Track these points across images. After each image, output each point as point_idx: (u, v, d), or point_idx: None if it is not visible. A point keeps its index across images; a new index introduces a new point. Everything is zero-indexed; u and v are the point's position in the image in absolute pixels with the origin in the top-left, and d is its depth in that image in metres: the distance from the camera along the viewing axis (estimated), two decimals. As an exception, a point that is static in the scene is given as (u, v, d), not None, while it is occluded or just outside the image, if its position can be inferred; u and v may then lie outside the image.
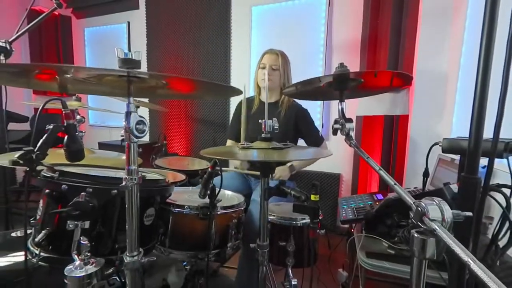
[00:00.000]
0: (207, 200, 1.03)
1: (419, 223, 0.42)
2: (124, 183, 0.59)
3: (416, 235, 0.43)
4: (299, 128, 1.63)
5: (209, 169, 0.99)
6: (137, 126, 0.57)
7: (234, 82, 2.95)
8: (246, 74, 2.77)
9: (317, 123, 2.63)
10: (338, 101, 0.70)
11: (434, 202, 0.42)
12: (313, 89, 0.75)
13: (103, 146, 3.07)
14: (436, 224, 0.39)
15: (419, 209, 0.42)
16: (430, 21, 1.90)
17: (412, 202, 0.45)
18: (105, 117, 3.81)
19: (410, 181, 2.13)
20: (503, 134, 0.55)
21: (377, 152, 2.39)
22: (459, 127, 1.63)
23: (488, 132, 0.54)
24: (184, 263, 1.63)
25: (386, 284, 1.74)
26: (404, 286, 1.76)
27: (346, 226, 2.44)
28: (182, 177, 1.71)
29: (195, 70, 3.07)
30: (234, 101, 2.99)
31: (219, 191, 1.00)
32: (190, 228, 1.10)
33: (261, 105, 1.69)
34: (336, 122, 0.69)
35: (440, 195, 0.64)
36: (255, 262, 0.96)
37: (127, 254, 0.62)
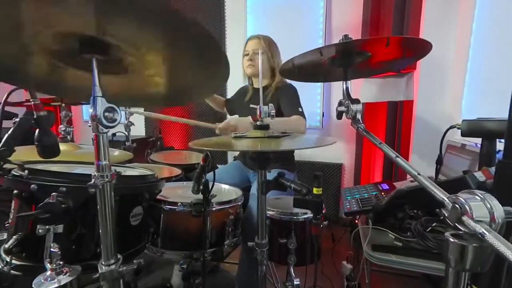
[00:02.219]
0: (200, 196, 0.95)
1: (456, 224, 0.33)
2: (92, 181, 0.51)
3: (452, 239, 0.33)
4: (279, 101, 1.50)
5: (201, 162, 0.90)
6: (106, 113, 0.48)
7: (230, 68, 2.82)
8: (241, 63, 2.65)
9: (317, 111, 2.54)
10: (342, 81, 0.61)
11: (477, 197, 0.33)
12: (313, 66, 0.65)
13: (97, 142, 2.98)
14: (483, 226, 0.30)
15: (457, 206, 0.33)
16: (436, -1, 1.78)
17: (445, 197, 0.36)
18: (100, 113, 3.70)
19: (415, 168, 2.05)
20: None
21: (380, 138, 2.28)
22: (469, 111, 1.53)
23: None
24: (180, 263, 1.57)
25: (393, 276, 1.69)
26: (411, 278, 1.71)
27: (349, 217, 2.38)
28: (178, 171, 1.64)
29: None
30: (230, 93, 2.88)
31: (213, 185, 0.92)
32: (183, 226, 1.02)
33: (253, 92, 1.65)
34: (340, 104, 0.60)
35: (461, 185, 0.55)
36: (255, 259, 0.89)
37: (103, 262, 0.54)
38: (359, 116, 0.58)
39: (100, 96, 0.47)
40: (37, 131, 0.74)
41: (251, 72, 1.58)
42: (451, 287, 0.34)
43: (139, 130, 3.28)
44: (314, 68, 0.67)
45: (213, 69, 0.68)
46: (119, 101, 0.51)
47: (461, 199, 0.33)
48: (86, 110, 3.83)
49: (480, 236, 0.30)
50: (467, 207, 0.32)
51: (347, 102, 0.58)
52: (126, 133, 2.02)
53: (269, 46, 1.54)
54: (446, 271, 0.35)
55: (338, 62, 0.59)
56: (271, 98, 1.51)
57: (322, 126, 2.56)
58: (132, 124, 2.05)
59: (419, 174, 0.41)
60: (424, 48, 0.53)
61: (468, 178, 0.63)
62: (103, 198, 0.52)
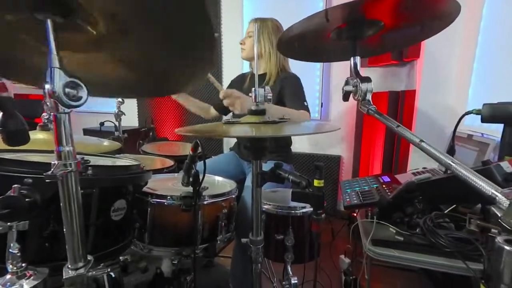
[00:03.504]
0: (190, 188, 0.88)
1: None
2: (51, 171, 0.43)
3: (508, 247, 0.26)
4: (282, 92, 1.38)
5: (190, 152, 0.82)
6: (67, 90, 0.39)
7: (226, 56, 2.72)
8: (239, 46, 2.54)
9: (316, 102, 2.46)
10: (350, 56, 0.52)
11: (547, 191, 0.26)
12: (315, 40, 0.56)
13: (88, 132, 2.88)
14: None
15: None
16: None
17: (496, 192, 0.28)
18: (92, 103, 3.56)
19: (416, 161, 1.99)
20: None
21: (380, 131, 2.23)
22: (476, 99, 1.45)
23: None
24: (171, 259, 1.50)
25: (390, 270, 1.65)
26: (409, 272, 1.67)
27: (348, 211, 2.34)
28: (170, 163, 1.57)
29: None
30: (226, 80, 2.78)
31: (203, 177, 0.84)
32: (173, 221, 0.95)
33: (252, 78, 1.53)
34: (347, 83, 0.51)
35: (485, 177, 0.48)
36: (250, 257, 0.82)
37: (69, 266, 0.46)
38: (369, 96, 0.50)
39: (58, 68, 0.39)
40: (0, 115, 0.65)
41: (243, 56, 1.50)
42: None
43: (132, 120, 3.18)
44: (316, 43, 0.58)
45: (198, 53, 0.57)
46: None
47: None
48: (77, 100, 3.69)
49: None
50: None
51: (355, 80, 0.50)
52: (116, 123, 1.92)
53: (266, 29, 1.41)
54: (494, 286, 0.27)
55: (345, 34, 0.51)
56: (274, 87, 1.39)
57: (320, 117, 2.48)
58: (123, 113, 1.95)
59: (452, 162, 0.33)
60: (447, 12, 0.45)
61: (494, 168, 0.56)
62: (66, 191, 0.44)
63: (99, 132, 2.03)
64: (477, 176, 0.30)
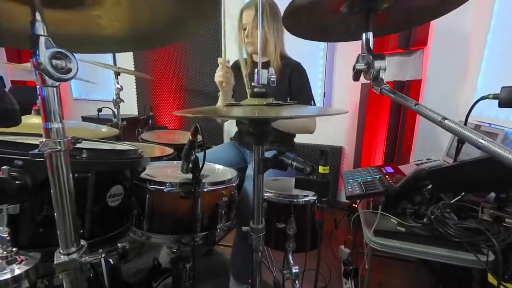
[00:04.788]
0: (190, 175, 0.85)
1: None
2: (38, 148, 0.39)
3: None
4: (292, 86, 1.36)
5: (190, 137, 0.79)
6: (55, 61, 0.36)
7: (227, 43, 2.64)
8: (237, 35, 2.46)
9: (318, 92, 2.41)
10: (363, 32, 0.48)
11: None
12: (324, 13, 0.50)
13: (87, 120, 2.84)
14: None
15: None
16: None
17: None
18: (90, 90, 3.52)
19: (419, 153, 1.96)
20: None
21: (383, 122, 2.19)
22: (485, 88, 1.41)
23: None
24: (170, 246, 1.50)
25: (389, 260, 1.65)
26: (407, 262, 1.68)
27: (347, 201, 2.32)
28: (169, 151, 1.54)
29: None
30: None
31: (203, 163, 0.81)
32: (172, 208, 0.92)
33: (254, 66, 1.44)
34: (358, 60, 0.47)
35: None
36: (251, 245, 0.80)
37: (60, 251, 0.44)
38: (382, 75, 0.46)
39: (44, 35, 0.35)
40: (-12, 94, 0.61)
41: (252, 50, 1.38)
42: None
43: (131, 108, 3.13)
44: (325, 16, 0.53)
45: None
46: (66, 45, 0.37)
47: None
48: (76, 88, 3.64)
49: None
50: None
51: (368, 57, 0.46)
52: (115, 110, 1.89)
53: (269, 14, 1.30)
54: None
55: (358, 6, 0.46)
56: (281, 75, 1.33)
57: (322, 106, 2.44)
58: (122, 101, 1.92)
59: (483, 138, 0.30)
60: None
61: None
62: (56, 171, 0.41)
63: (97, 120, 2.00)
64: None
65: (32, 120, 1.13)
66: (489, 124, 1.28)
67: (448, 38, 1.67)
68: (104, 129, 1.47)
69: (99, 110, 1.84)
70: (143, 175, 0.91)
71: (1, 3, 0.38)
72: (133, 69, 3.04)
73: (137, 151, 0.84)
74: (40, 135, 0.96)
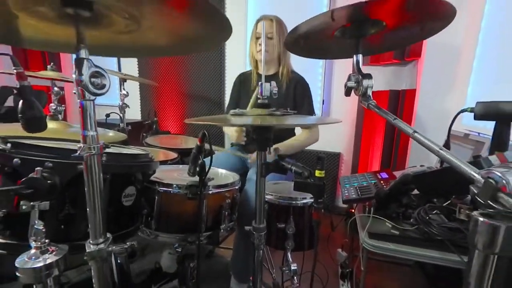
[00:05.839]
0: (197, 178, 0.92)
1: (489, 201, 0.30)
2: (78, 152, 0.46)
3: (481, 219, 0.30)
4: (296, 99, 1.48)
5: (198, 143, 0.86)
6: (93, 79, 0.43)
7: (229, 53, 2.74)
8: (242, 44, 2.55)
9: (317, 99, 2.49)
10: (353, 54, 0.56)
11: (516, 170, 0.29)
12: (320, 38, 0.59)
13: (91, 124, 2.91)
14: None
15: (491, 180, 0.30)
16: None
17: (475, 172, 0.32)
18: (94, 95, 3.59)
19: (414, 159, 2.03)
20: None
21: (380, 129, 2.27)
22: (475, 98, 1.49)
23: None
24: (175, 246, 1.55)
25: (386, 264, 1.70)
26: (404, 266, 1.73)
27: (345, 206, 2.38)
28: (174, 155, 1.60)
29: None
30: (229, 77, 2.81)
31: (210, 167, 0.88)
32: (178, 208, 0.99)
33: (259, 79, 1.53)
34: (349, 79, 0.55)
35: (474, 169, 0.52)
36: (251, 244, 0.86)
37: (90, 241, 0.50)
38: (370, 92, 0.53)
39: (86, 58, 0.42)
40: (20, 102, 0.68)
41: (264, 58, 1.49)
42: (476, 272, 0.31)
43: (135, 113, 3.21)
44: (321, 40, 0.62)
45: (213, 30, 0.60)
46: (106, 52, 0.45)
47: (496, 173, 0.30)
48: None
49: (521, 213, 0.27)
50: (504, 181, 0.29)
51: (357, 76, 0.53)
52: (121, 115, 1.96)
53: (280, 30, 1.43)
54: (470, 254, 0.32)
55: (349, 33, 0.54)
56: (286, 90, 1.45)
57: (321, 114, 2.52)
58: (127, 106, 1.99)
59: (441, 149, 0.37)
60: (446, 13, 0.48)
61: (482, 161, 0.60)
62: (91, 171, 0.48)
63: (104, 124, 2.07)
64: (459, 160, 0.34)
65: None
66: (478, 133, 1.36)
67: (440, 51, 1.76)
68: (111, 133, 1.54)
69: (107, 115, 1.91)
70: (152, 177, 0.97)
71: (48, 26, 0.46)
72: (137, 75, 3.13)
73: (148, 155, 0.90)
74: (57, 139, 1.03)
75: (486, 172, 0.31)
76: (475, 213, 0.31)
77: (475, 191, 0.31)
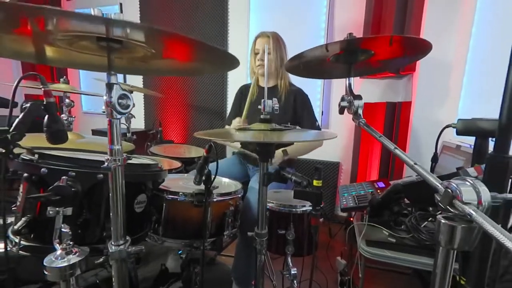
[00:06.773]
0: (202, 186, 0.98)
1: (448, 207, 0.36)
2: (106, 164, 0.53)
3: (443, 221, 0.37)
4: (297, 111, 1.56)
5: (204, 154, 0.93)
6: (120, 100, 0.50)
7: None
8: (244, 60, 2.66)
9: (317, 110, 2.57)
10: (346, 77, 0.63)
11: (467, 182, 0.36)
12: (317, 62, 0.67)
13: (96, 133, 2.98)
14: (471, 208, 0.33)
15: (449, 190, 0.36)
16: (437, 1, 1.81)
17: (438, 183, 0.39)
18: (99, 104, 3.65)
19: (411, 169, 2.09)
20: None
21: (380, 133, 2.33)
22: (465, 112, 1.57)
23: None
24: (179, 252, 1.59)
25: (384, 272, 1.74)
26: (401, 274, 1.76)
27: (344, 214, 2.42)
28: (177, 164, 1.66)
29: (190, 55, 2.95)
30: (231, 88, 2.90)
31: (215, 176, 0.94)
32: (184, 215, 1.04)
33: (260, 91, 1.62)
34: (343, 99, 0.62)
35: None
36: (252, 251, 0.92)
37: (112, 243, 0.56)
38: (360, 111, 0.60)
39: (116, 83, 0.50)
40: (46, 117, 0.75)
41: (263, 72, 1.54)
42: (441, 264, 0.37)
43: (139, 123, 3.30)
44: (318, 65, 0.70)
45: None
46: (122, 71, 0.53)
47: (453, 184, 0.36)
48: (86, 101, 3.82)
49: (468, 216, 0.33)
50: (458, 191, 0.35)
51: (349, 97, 0.61)
52: (127, 124, 2.03)
53: (277, 45, 1.54)
54: (436, 251, 0.38)
55: (342, 59, 0.62)
56: (285, 102, 1.53)
57: (321, 125, 2.58)
58: (133, 116, 2.07)
59: (415, 163, 0.44)
60: (424, 48, 0.56)
61: (461, 173, 0.67)
62: (115, 180, 0.54)
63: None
64: (428, 173, 0.41)
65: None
66: (470, 145, 1.42)
67: (433, 67, 1.86)
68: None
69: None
70: (160, 185, 1.03)
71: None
72: (141, 86, 3.23)
73: (157, 165, 0.97)
74: (71, 149, 1.10)
75: (446, 183, 0.37)
76: (439, 216, 0.38)
77: (438, 198, 0.37)
